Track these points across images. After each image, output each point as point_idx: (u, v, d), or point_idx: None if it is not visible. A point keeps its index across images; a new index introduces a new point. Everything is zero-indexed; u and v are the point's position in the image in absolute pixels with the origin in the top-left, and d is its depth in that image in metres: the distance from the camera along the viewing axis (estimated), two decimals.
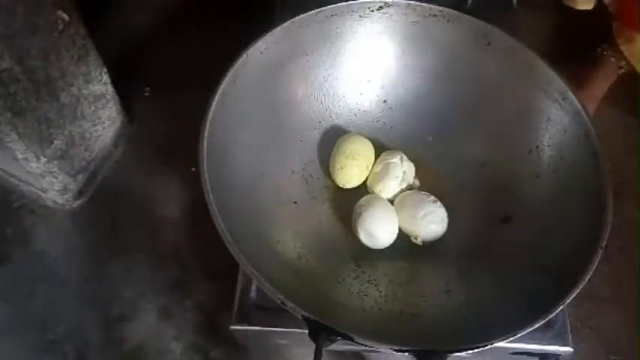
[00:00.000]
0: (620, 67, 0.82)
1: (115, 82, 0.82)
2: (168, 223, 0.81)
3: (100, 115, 0.82)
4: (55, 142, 0.74)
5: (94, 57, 0.76)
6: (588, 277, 0.42)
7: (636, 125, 0.88)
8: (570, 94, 0.51)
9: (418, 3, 0.56)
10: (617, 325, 0.74)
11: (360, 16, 0.57)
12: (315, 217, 0.56)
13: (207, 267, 0.76)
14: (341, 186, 0.57)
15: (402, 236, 0.55)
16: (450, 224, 0.55)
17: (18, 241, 0.81)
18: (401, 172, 0.56)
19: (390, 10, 0.57)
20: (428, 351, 0.40)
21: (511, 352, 0.53)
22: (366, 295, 0.50)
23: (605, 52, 0.82)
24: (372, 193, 0.57)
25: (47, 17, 0.65)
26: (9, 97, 0.63)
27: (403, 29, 0.58)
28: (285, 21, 0.54)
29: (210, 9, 1.01)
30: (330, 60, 0.58)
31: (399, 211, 0.55)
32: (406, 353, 0.40)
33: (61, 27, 0.67)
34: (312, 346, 0.40)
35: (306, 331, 0.41)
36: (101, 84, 0.79)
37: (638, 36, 0.75)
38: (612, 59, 0.82)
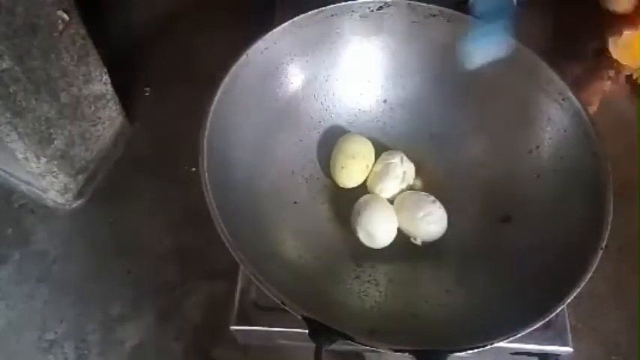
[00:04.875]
0: (621, 67, 0.82)
1: (115, 82, 0.82)
2: (168, 223, 0.81)
3: (100, 115, 0.82)
4: (55, 142, 0.74)
5: (94, 57, 0.76)
6: (588, 277, 0.42)
7: (636, 125, 0.88)
8: (570, 94, 0.51)
9: (418, 3, 0.56)
10: (617, 325, 0.74)
11: (360, 16, 0.57)
12: (315, 217, 0.56)
13: (207, 267, 0.76)
14: (341, 186, 0.57)
15: (402, 236, 0.55)
16: (449, 224, 0.54)
17: (18, 241, 0.81)
18: (401, 172, 0.56)
19: (390, 10, 0.57)
20: (428, 351, 0.40)
21: (511, 352, 0.53)
22: (366, 295, 0.50)
23: (605, 53, 0.82)
24: (372, 193, 0.57)
25: (47, 17, 0.65)
26: (9, 97, 0.63)
27: (403, 29, 0.58)
28: (285, 21, 0.54)
29: (210, 9, 1.01)
30: (330, 60, 0.58)
31: (399, 212, 0.55)
32: (406, 353, 0.40)
33: (61, 27, 0.67)
34: (312, 346, 0.40)
35: (307, 331, 0.41)
36: (101, 84, 0.79)
37: (626, 31, 0.75)
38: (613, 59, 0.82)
